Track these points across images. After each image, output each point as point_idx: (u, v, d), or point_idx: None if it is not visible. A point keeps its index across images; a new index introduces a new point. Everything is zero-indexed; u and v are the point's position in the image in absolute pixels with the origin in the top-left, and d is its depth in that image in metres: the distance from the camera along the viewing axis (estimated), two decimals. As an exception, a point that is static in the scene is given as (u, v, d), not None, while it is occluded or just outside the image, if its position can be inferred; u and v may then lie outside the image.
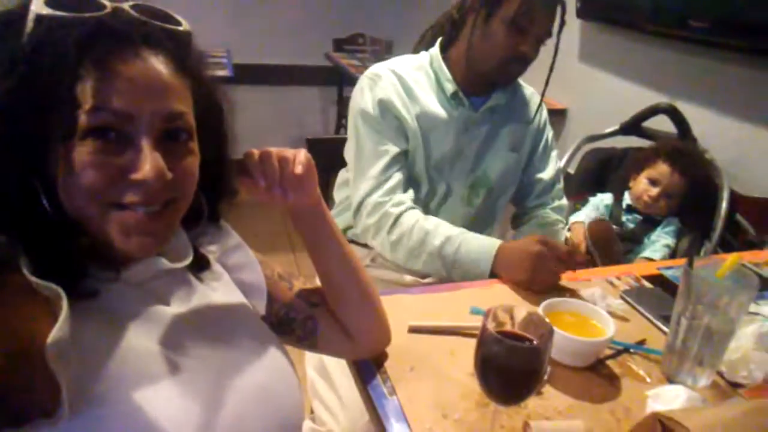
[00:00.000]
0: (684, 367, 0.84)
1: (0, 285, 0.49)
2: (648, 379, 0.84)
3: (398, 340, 0.85)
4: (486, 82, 1.28)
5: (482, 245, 1.14)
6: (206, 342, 0.61)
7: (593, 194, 1.73)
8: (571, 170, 1.91)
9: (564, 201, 1.47)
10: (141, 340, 0.56)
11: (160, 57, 0.55)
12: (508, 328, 0.65)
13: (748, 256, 1.26)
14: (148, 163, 0.52)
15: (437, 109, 1.27)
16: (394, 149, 1.23)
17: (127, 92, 0.51)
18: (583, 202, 1.72)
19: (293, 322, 0.75)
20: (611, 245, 1.53)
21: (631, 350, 0.90)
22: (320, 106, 3.88)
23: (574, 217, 1.65)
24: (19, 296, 0.50)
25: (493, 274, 1.11)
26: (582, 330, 0.84)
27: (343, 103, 3.44)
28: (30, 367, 0.47)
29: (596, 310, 0.88)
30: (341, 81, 3.44)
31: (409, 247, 1.17)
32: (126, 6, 0.55)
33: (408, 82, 1.27)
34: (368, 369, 0.81)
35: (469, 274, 1.12)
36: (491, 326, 0.63)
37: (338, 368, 1.13)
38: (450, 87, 1.27)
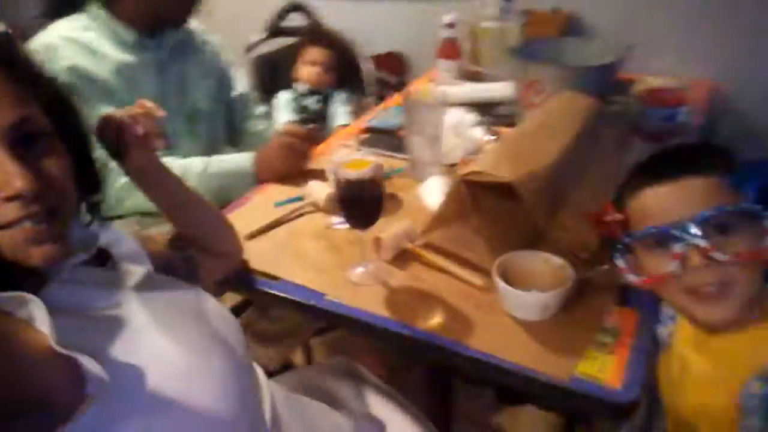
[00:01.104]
0: (425, 168, 1.22)
1: None
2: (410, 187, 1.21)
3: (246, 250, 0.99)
4: (164, 24, 1.34)
5: (238, 156, 1.33)
6: (163, 303, 0.67)
7: (273, 96, 1.99)
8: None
9: (263, 108, 1.70)
10: (109, 313, 0.61)
11: None
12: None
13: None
14: (15, 175, 0.52)
15: (126, 59, 1.29)
16: (106, 109, 1.24)
17: None
18: (269, 105, 1.96)
19: (177, 269, 0.83)
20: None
21: (390, 176, 1.24)
22: None
23: (280, 119, 1.90)
24: None
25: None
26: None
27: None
28: (43, 372, 0.50)
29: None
30: None
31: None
32: None
33: (88, 44, 1.25)
34: (249, 279, 0.96)
35: (237, 183, 1.29)
36: (342, 174, 0.85)
37: None
38: (131, 36, 1.30)
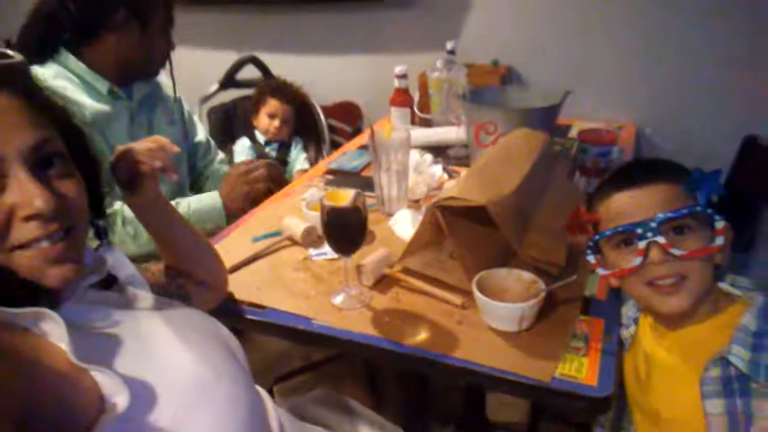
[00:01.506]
0: (392, 204, 1.29)
1: None
2: (380, 221, 1.27)
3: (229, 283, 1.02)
4: (136, 77, 1.41)
5: (206, 195, 1.42)
6: (179, 320, 0.69)
7: (233, 144, 2.03)
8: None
9: (222, 155, 1.76)
10: (123, 330, 0.62)
11: (4, 94, 0.56)
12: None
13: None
14: (35, 195, 0.54)
15: (100, 108, 1.32)
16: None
17: None
18: (229, 152, 2.00)
19: (172, 297, 0.84)
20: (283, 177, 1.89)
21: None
22: None
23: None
24: (9, 336, 0.52)
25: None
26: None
27: None
28: (61, 387, 0.52)
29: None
30: None
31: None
32: None
33: (64, 93, 1.27)
34: (235, 309, 0.98)
35: (210, 218, 1.37)
36: (328, 204, 0.90)
37: None
38: (104, 86, 1.33)
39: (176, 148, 0.80)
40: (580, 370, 0.81)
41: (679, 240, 0.74)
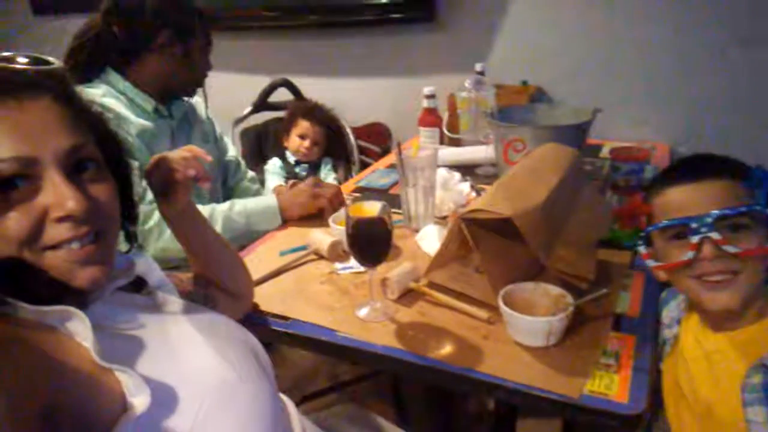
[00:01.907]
0: (419, 220, 1.29)
1: (17, 330, 0.51)
2: (406, 237, 1.27)
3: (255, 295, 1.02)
4: (176, 95, 1.47)
5: (260, 198, 1.44)
6: (207, 324, 0.70)
7: (264, 163, 2.07)
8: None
9: (252, 173, 1.79)
10: (149, 333, 0.63)
11: (44, 99, 0.58)
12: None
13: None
14: (68, 197, 0.55)
15: (145, 125, 1.37)
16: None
17: (23, 138, 0.54)
18: (260, 171, 2.04)
19: (197, 304, 0.85)
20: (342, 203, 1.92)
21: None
22: None
23: (270, 184, 1.96)
24: (37, 334, 0.53)
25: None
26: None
27: None
28: (85, 385, 0.53)
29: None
30: None
31: None
32: None
33: (112, 109, 1.32)
34: (260, 319, 0.98)
35: (265, 219, 1.36)
36: (353, 216, 0.90)
37: None
38: (149, 104, 1.40)
39: (209, 158, 0.82)
40: (610, 386, 0.79)
41: (733, 237, 0.73)
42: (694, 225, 0.74)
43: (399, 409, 1.83)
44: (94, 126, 0.64)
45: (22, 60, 0.60)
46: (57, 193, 0.55)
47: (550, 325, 0.85)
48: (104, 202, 0.60)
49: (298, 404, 1.73)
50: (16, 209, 0.54)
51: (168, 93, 1.44)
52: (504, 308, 0.87)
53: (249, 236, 1.34)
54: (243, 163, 1.79)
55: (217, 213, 1.33)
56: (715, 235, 0.72)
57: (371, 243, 0.92)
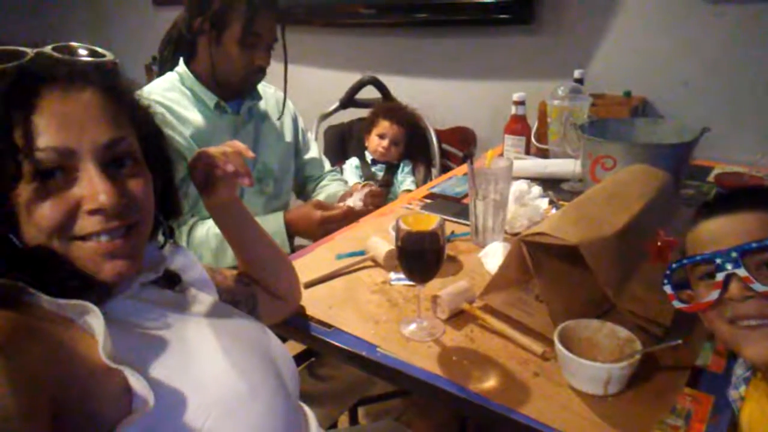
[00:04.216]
0: (486, 234, 1.21)
1: (30, 320, 0.51)
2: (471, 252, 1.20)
3: (303, 297, 1.00)
4: (236, 90, 1.44)
5: (267, 224, 1.34)
6: (226, 330, 0.68)
7: (343, 162, 2.07)
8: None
9: (333, 171, 1.79)
10: (167, 333, 0.62)
11: (89, 90, 0.57)
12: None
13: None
14: (101, 191, 0.55)
15: (205, 122, 1.38)
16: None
17: (63, 129, 0.54)
18: (339, 170, 2.04)
19: (239, 304, 0.84)
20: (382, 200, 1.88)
21: (452, 239, 1.24)
22: None
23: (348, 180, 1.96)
24: (52, 326, 0.53)
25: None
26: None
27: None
28: (94, 381, 0.51)
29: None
30: None
31: (212, 250, 1.31)
32: (47, 49, 0.58)
33: (171, 106, 1.35)
34: (306, 325, 0.96)
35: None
36: (404, 227, 0.85)
37: None
38: (211, 99, 1.39)
39: (251, 153, 0.80)
40: (672, 454, 0.68)
41: (766, 276, 0.62)
42: (718, 261, 0.64)
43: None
44: (137, 120, 0.64)
45: (82, 52, 0.61)
46: (91, 186, 0.55)
47: (609, 373, 0.75)
48: (138, 198, 0.60)
49: (351, 409, 1.71)
50: (52, 198, 0.54)
51: (224, 88, 1.40)
52: (558, 346, 0.78)
53: None
54: (326, 160, 1.79)
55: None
56: (741, 272, 0.62)
57: (419, 258, 0.87)
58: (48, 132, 0.54)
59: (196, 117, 1.37)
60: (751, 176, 1.30)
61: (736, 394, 0.73)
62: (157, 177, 0.66)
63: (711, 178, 1.62)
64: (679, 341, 0.76)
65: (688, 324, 0.89)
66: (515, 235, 1.25)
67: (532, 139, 1.81)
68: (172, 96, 1.37)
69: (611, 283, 0.83)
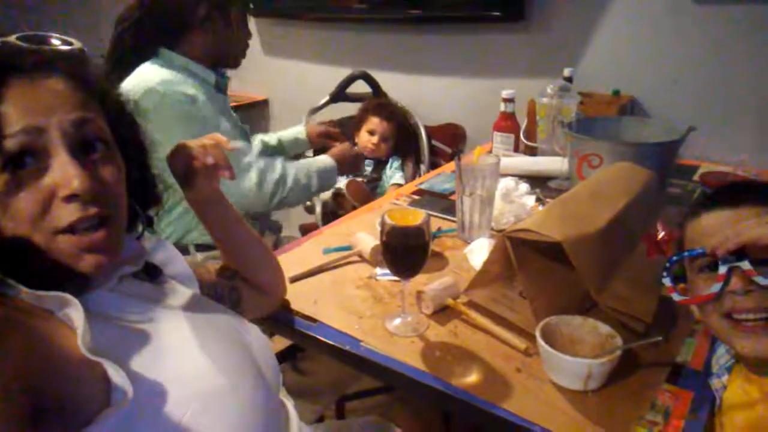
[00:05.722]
0: (472, 231, 1.22)
1: (9, 312, 0.51)
2: (456, 248, 1.20)
3: (288, 292, 1.00)
4: (224, 64, 1.51)
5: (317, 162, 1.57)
6: (204, 324, 0.68)
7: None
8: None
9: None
10: (145, 326, 0.62)
11: (54, 77, 0.57)
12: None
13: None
14: (73, 175, 0.54)
15: (206, 97, 1.39)
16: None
17: (31, 111, 0.54)
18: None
19: (222, 298, 0.84)
20: (366, 194, 1.89)
21: (439, 235, 1.24)
22: None
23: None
24: (31, 318, 0.52)
25: None
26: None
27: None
28: (72, 373, 0.51)
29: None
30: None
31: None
32: (12, 38, 0.58)
33: (188, 91, 1.36)
34: (290, 319, 0.96)
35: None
36: (389, 222, 0.85)
37: None
38: (212, 78, 1.44)
39: (231, 146, 0.79)
40: (651, 449, 0.69)
41: None
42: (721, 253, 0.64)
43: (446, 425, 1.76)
44: (108, 106, 0.63)
45: (53, 41, 0.60)
46: (63, 171, 0.55)
47: (589, 369, 0.75)
48: (111, 183, 0.59)
49: (338, 404, 1.72)
50: (26, 190, 0.54)
51: (217, 62, 1.47)
52: (540, 341, 0.78)
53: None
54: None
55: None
56: (744, 265, 0.62)
57: (404, 253, 0.87)
58: (15, 118, 0.53)
59: (200, 93, 1.38)
60: (736, 175, 1.31)
61: (719, 382, 0.74)
62: (133, 166, 0.65)
63: (696, 177, 1.63)
64: (660, 338, 0.77)
65: (669, 321, 0.90)
66: (501, 231, 1.26)
67: (521, 136, 1.81)
68: (185, 89, 1.36)
69: (594, 279, 0.84)
